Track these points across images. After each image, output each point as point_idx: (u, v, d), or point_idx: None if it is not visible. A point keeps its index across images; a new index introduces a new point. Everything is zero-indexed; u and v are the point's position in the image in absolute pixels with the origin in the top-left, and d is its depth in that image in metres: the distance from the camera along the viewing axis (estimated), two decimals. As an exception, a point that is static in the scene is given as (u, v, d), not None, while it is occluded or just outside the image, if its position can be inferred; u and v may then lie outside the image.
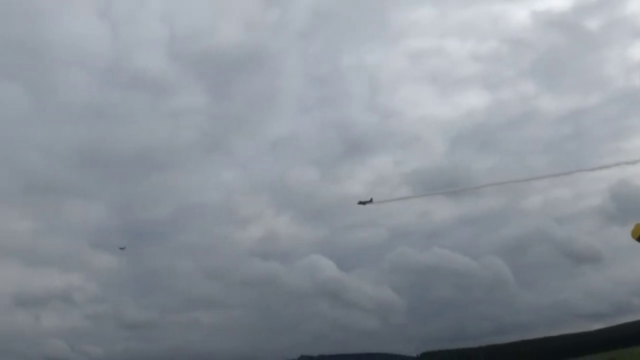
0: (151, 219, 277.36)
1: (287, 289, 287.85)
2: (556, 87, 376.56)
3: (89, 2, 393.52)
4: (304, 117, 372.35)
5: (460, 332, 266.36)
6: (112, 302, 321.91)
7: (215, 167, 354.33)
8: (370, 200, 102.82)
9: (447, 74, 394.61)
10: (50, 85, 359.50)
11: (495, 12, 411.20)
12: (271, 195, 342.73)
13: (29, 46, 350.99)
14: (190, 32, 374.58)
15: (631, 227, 62.33)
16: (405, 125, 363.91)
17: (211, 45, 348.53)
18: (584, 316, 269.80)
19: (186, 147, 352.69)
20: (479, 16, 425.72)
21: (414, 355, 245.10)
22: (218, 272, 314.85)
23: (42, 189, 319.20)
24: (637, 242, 61.25)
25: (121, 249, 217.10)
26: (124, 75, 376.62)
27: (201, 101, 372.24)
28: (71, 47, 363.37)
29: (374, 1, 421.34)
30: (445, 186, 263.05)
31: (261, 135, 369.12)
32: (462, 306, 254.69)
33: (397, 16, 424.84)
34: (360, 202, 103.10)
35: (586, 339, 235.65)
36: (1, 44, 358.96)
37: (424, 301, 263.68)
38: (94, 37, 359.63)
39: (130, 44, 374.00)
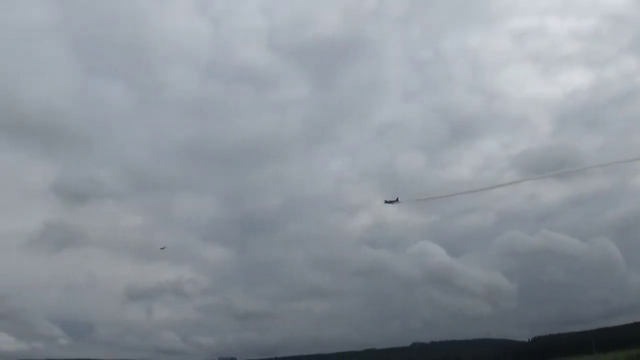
0: (261, 211, 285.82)
1: (398, 276, 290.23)
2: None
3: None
4: (408, 103, 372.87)
5: (571, 315, 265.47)
6: (223, 294, 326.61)
7: (322, 156, 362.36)
8: (397, 200, 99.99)
9: (548, 53, 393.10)
10: (154, 83, 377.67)
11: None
12: (379, 182, 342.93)
13: (132, 46, 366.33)
14: (289, 22, 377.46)
15: None
16: (510, 107, 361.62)
17: (311, 35, 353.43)
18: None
19: (293, 138, 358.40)
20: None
21: (526, 340, 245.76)
22: (328, 262, 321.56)
23: (152, 185, 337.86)
24: None
25: (162, 249, 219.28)
26: (226, 69, 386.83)
27: (304, 91, 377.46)
28: (173, 45, 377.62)
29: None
30: (552, 168, 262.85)
31: (366, 123, 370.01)
32: (573, 289, 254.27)
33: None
34: (387, 202, 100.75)
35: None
36: (106, 45, 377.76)
37: (534, 285, 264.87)
38: (195, 33, 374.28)
39: (230, 38, 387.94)
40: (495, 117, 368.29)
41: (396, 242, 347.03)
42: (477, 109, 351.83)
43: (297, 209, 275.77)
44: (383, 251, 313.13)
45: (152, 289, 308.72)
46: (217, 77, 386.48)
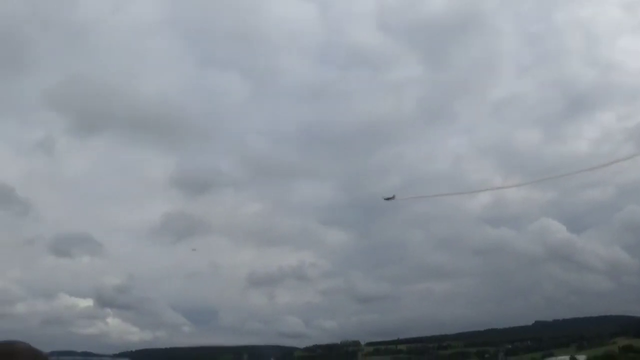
0: (380, 193, 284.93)
1: (518, 254, 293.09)
2: None
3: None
4: (523, 77, 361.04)
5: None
6: (344, 277, 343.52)
7: (439, 135, 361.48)
8: (393, 197, 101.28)
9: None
10: (267, 70, 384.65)
11: None
12: (497, 159, 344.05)
13: (242, 35, 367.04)
14: (398, 2, 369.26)
15: None
16: (626, 78, 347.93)
17: (421, 13, 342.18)
18: None
19: (409, 118, 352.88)
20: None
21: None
22: (448, 241, 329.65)
23: (270, 171, 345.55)
24: None
25: (193, 250, 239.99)
26: (339, 52, 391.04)
27: (418, 71, 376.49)
28: (283, 31, 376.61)
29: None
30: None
31: (482, 100, 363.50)
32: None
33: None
34: (386, 199, 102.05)
35: None
36: (216, 36, 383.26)
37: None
38: (305, 18, 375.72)
39: (340, 21, 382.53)
40: (612, 88, 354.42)
41: (516, 219, 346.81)
42: (592, 81, 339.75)
43: (416, 189, 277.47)
44: (503, 229, 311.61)
45: (274, 274, 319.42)
46: (330, 61, 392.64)
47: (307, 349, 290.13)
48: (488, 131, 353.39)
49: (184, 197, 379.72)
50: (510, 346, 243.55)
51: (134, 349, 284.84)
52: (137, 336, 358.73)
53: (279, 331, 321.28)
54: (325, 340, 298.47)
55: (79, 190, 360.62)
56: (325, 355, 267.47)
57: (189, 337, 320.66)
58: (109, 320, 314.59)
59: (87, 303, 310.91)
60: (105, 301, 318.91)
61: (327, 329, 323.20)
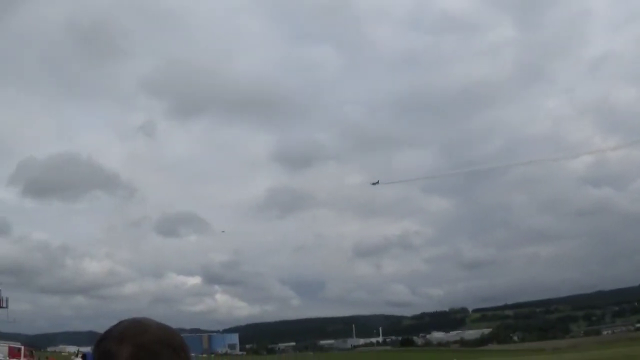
0: (480, 157, 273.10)
1: (622, 214, 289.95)
2: None
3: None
4: (618, 33, 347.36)
5: None
6: (449, 244, 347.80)
7: (537, 96, 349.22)
8: (377, 182, 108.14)
9: None
10: (359, 41, 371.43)
11: None
12: (596, 118, 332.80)
13: (332, 7, 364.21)
14: None
15: None
16: None
17: None
18: None
19: (506, 81, 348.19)
20: None
21: None
22: (552, 204, 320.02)
23: (370, 141, 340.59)
24: None
25: (222, 232, 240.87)
26: (430, 18, 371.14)
27: (511, 32, 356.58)
28: (373, 2, 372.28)
29: None
30: None
31: (578, 58, 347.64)
32: None
33: None
34: (372, 184, 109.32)
35: None
36: (305, 10, 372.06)
37: None
38: None
39: None
40: None
41: (618, 179, 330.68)
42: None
43: (516, 152, 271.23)
44: (606, 189, 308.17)
45: (379, 244, 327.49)
46: (422, 28, 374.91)
47: (414, 317, 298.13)
48: (586, 90, 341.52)
49: (286, 172, 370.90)
50: (617, 308, 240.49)
51: (243, 324, 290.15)
52: (245, 311, 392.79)
53: (386, 300, 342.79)
54: (432, 308, 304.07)
55: (182, 171, 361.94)
56: (433, 323, 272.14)
57: (297, 310, 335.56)
58: (217, 296, 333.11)
59: (195, 281, 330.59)
60: (212, 278, 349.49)
61: (434, 297, 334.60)
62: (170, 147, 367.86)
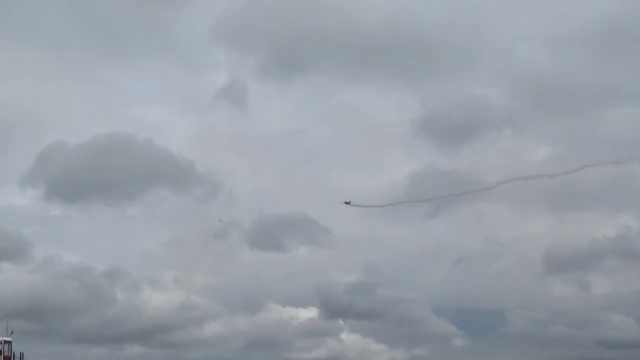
0: None
1: None
2: None
3: None
4: None
5: None
6: None
7: None
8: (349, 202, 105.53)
9: None
10: None
11: None
12: None
13: None
14: None
15: None
16: None
17: None
18: None
19: None
20: None
21: None
22: None
23: (560, 98, 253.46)
24: None
25: (220, 220, 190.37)
26: None
27: None
28: None
29: None
30: None
31: None
32: None
33: None
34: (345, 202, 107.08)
35: None
36: None
37: None
38: None
39: None
40: None
41: None
42: None
43: None
44: None
45: (584, 251, 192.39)
46: None
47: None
48: None
49: (436, 148, 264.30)
50: None
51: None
52: (385, 357, 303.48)
53: (598, 339, 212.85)
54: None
55: (283, 154, 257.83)
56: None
57: (463, 354, 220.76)
58: (343, 336, 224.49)
59: (309, 314, 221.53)
60: (335, 309, 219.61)
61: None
62: (263, 120, 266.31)
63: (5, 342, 67.23)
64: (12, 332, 68.86)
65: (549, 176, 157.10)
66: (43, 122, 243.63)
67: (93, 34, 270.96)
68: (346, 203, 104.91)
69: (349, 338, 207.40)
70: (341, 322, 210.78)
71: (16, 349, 64.39)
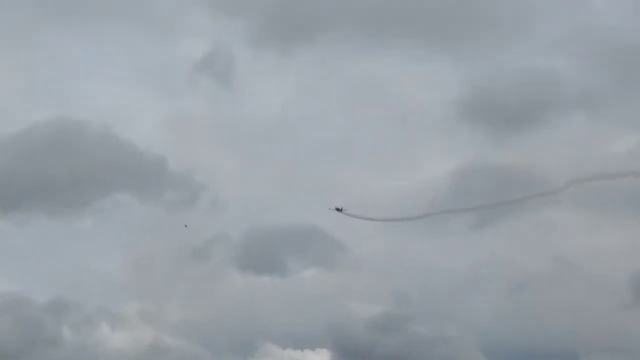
0: None
1: None
2: None
3: None
4: None
5: None
6: None
7: None
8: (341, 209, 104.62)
9: None
10: None
11: None
12: None
13: None
14: None
15: None
16: None
17: None
18: None
19: None
20: None
21: None
22: None
23: None
24: None
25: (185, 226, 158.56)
26: None
27: None
28: None
29: None
30: None
31: None
32: None
33: None
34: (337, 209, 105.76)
35: None
36: None
37: None
38: None
39: None
40: None
41: None
42: None
43: None
44: None
45: None
46: None
47: None
48: None
49: (485, 138, 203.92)
50: None
51: None
52: None
53: None
54: None
55: (279, 147, 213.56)
56: None
57: None
58: None
59: (319, 357, 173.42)
60: (354, 352, 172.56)
61: None
62: (256, 102, 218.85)
63: None
64: None
65: (635, 174, 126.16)
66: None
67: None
68: (337, 210, 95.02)
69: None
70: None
71: None
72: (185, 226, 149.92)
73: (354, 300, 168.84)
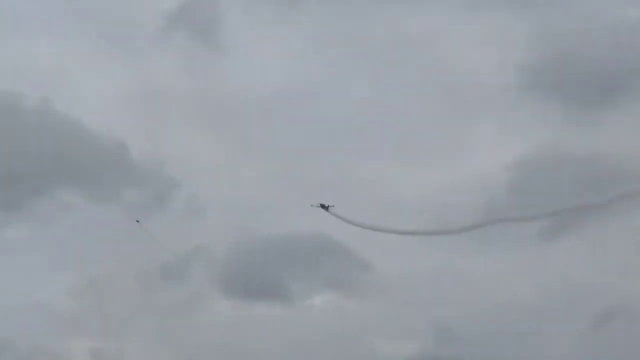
0: None
1: None
2: None
3: None
4: None
5: None
6: None
7: None
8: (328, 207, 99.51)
9: None
10: None
11: None
12: None
13: None
14: None
15: None
16: None
17: None
18: None
19: None
20: None
21: None
22: None
23: None
24: None
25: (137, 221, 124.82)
26: None
27: None
28: None
29: None
30: None
31: None
32: None
33: None
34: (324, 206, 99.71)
35: None
36: None
37: None
38: None
39: None
40: None
41: None
42: None
43: None
44: None
45: None
46: None
47: None
48: None
49: (559, 116, 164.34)
50: None
51: None
52: None
53: None
54: None
55: (277, 130, 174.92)
56: None
57: None
58: None
59: None
60: None
61: None
62: (247, 70, 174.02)
63: None
64: None
65: None
66: None
67: None
68: (322, 207, 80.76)
69: None
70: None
71: None
72: (137, 221, 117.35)
73: (380, 336, 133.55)
